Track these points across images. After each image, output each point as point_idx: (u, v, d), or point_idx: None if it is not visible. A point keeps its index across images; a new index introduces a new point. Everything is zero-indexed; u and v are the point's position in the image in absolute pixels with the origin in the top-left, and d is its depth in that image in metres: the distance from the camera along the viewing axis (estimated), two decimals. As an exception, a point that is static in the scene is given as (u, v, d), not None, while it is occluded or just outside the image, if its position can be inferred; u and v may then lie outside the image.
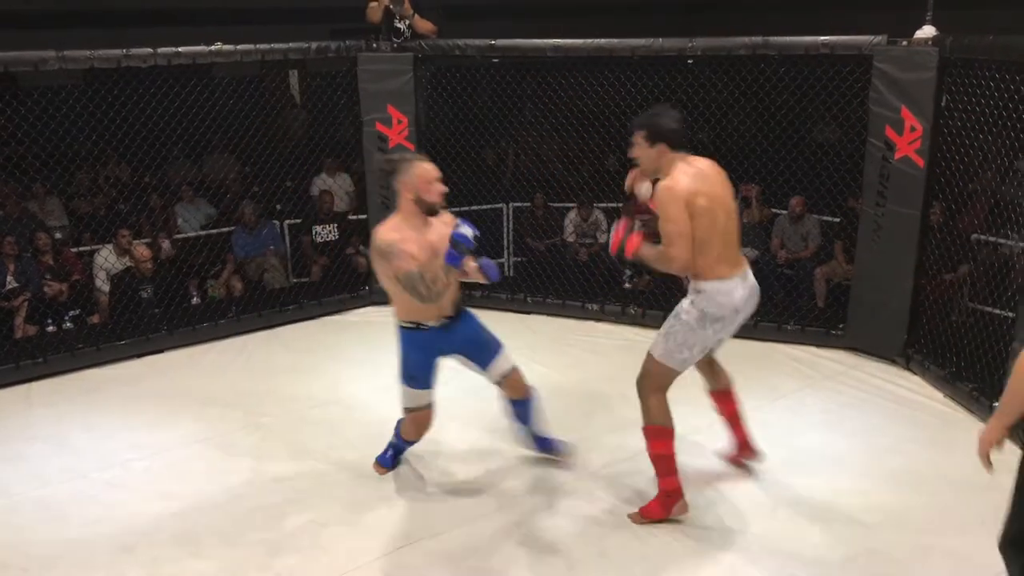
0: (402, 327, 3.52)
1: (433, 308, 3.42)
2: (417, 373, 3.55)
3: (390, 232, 3.32)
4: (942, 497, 3.66)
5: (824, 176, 5.85)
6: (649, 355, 3.47)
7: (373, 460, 3.95)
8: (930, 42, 4.60)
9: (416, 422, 3.67)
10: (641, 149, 3.27)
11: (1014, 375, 2.40)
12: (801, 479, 3.82)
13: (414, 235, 3.34)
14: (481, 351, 3.64)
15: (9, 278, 6.14)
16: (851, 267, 5.42)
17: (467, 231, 3.24)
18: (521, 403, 3.77)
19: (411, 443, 3.83)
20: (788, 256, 6.52)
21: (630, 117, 6.27)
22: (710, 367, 3.75)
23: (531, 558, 3.29)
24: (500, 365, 3.66)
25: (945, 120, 4.65)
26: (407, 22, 5.92)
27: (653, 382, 3.46)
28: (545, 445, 3.94)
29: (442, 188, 3.38)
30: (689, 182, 3.19)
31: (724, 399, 3.82)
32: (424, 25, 5.96)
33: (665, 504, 3.45)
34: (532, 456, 4.02)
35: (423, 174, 3.35)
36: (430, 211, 3.38)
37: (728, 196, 3.33)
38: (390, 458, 3.93)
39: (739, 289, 3.33)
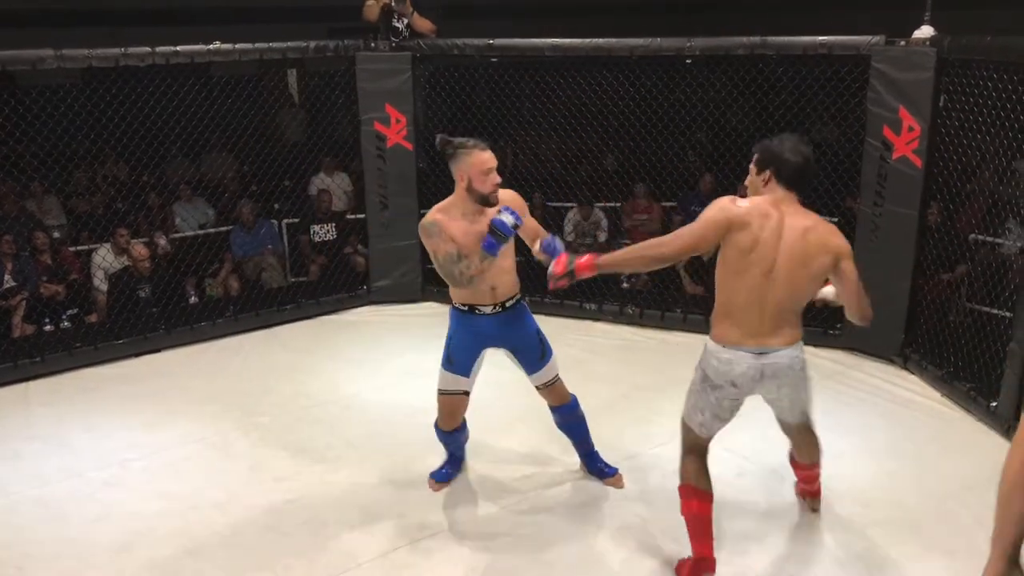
0: (455, 308, 3.49)
1: (487, 294, 3.41)
2: (458, 356, 3.50)
3: (436, 212, 3.31)
4: (939, 497, 3.67)
5: (822, 176, 5.84)
6: (681, 418, 3.23)
7: (428, 476, 3.82)
8: (928, 42, 4.61)
9: (446, 406, 3.59)
10: (751, 175, 2.99)
11: (999, 496, 1.93)
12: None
13: (462, 222, 3.27)
14: (530, 353, 3.58)
15: (7, 277, 6.13)
16: (849, 267, 5.42)
17: (508, 218, 3.17)
18: (560, 409, 3.72)
19: (448, 434, 3.70)
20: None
21: (628, 117, 6.35)
22: (791, 433, 3.38)
23: (530, 558, 3.30)
24: (545, 373, 3.62)
25: (943, 120, 4.66)
26: (406, 21, 5.92)
27: (684, 441, 3.22)
28: (592, 464, 3.85)
29: (496, 179, 3.25)
30: (748, 211, 2.85)
31: (801, 469, 3.53)
32: (423, 24, 5.97)
33: (694, 570, 3.10)
34: (527, 454, 4.02)
35: (478, 163, 3.22)
36: (483, 201, 3.26)
37: (791, 264, 2.83)
38: (445, 473, 3.83)
39: (743, 364, 2.93)
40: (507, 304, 3.49)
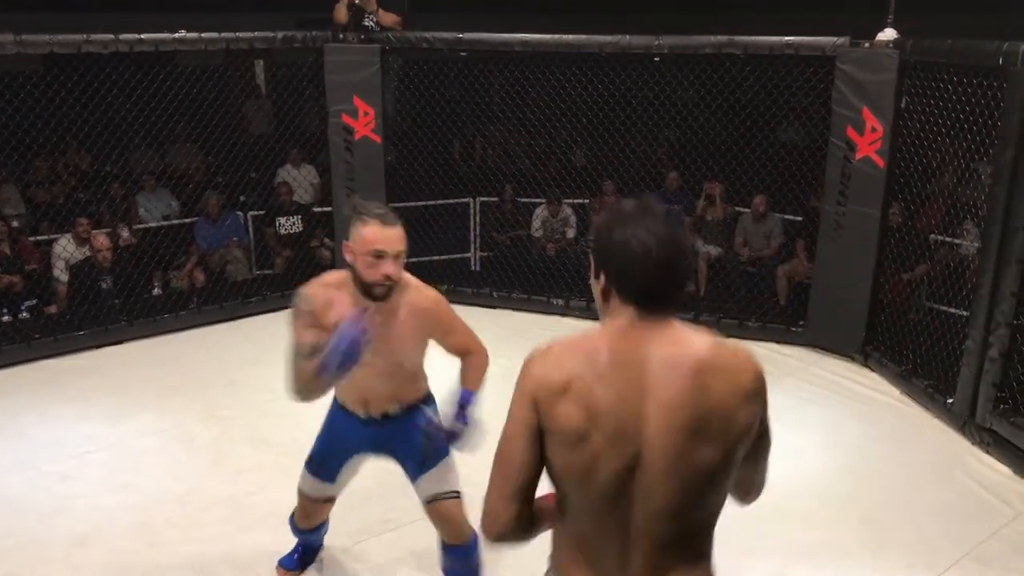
0: (334, 397, 2.86)
1: (357, 403, 2.79)
2: (323, 459, 2.89)
3: (320, 283, 2.60)
4: (897, 491, 3.73)
5: (787, 175, 5.93)
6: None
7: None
8: (891, 44, 4.68)
9: (304, 508, 2.97)
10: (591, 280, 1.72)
11: None
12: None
13: (348, 306, 2.49)
14: (409, 457, 2.78)
15: (-37, 267, 6.00)
16: (812, 265, 5.50)
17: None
18: (452, 551, 2.76)
19: (304, 532, 3.07)
20: (751, 254, 6.59)
21: (597, 113, 6.37)
22: None
23: (492, 556, 3.30)
24: (429, 484, 2.73)
25: (905, 122, 4.74)
26: (374, 18, 5.89)
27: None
28: None
29: (388, 270, 2.42)
30: (564, 362, 1.62)
31: None
32: (388, 18, 5.94)
33: None
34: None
35: (365, 240, 2.43)
36: (365, 292, 2.47)
37: (676, 444, 1.53)
38: (296, 559, 3.17)
39: None
40: (389, 414, 2.75)
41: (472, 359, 2.77)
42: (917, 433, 4.29)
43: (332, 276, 2.63)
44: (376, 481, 3.76)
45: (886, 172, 4.77)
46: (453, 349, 2.74)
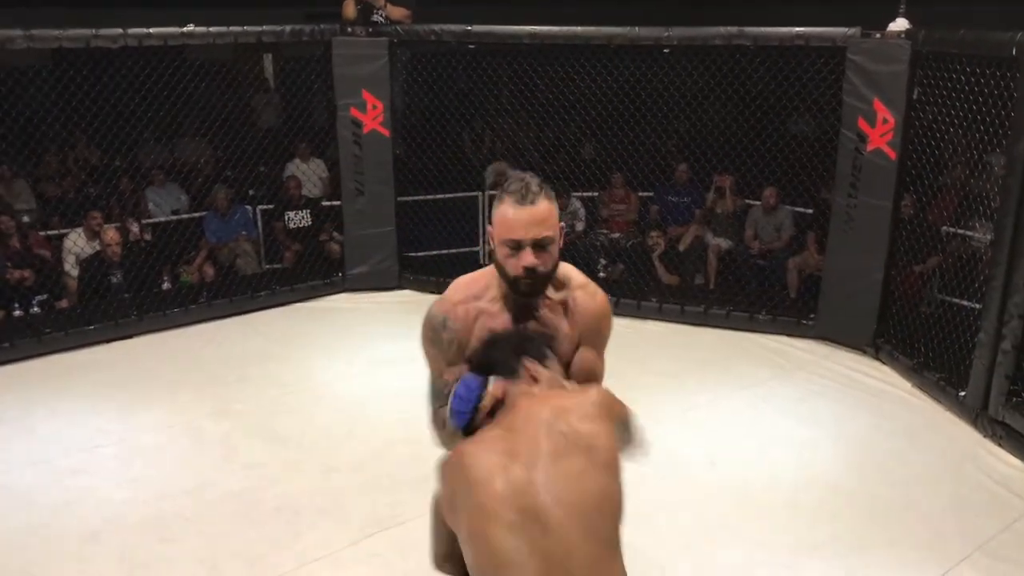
0: None
1: None
2: None
3: (457, 293, 2.11)
4: (908, 485, 3.71)
5: (798, 167, 5.89)
6: None
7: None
8: (903, 35, 4.64)
9: None
10: None
11: None
12: (769, 467, 3.86)
13: (502, 315, 2.06)
14: None
15: (-26, 261, 6.03)
16: (823, 258, 5.47)
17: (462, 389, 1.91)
18: None
19: None
20: (761, 247, 6.56)
21: (606, 106, 6.34)
22: None
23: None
24: None
25: (917, 113, 4.69)
26: (383, 13, 5.87)
27: None
28: None
29: (527, 261, 1.96)
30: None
31: None
32: (397, 12, 5.93)
33: None
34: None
35: (501, 221, 1.99)
36: (515, 289, 2.02)
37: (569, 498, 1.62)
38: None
39: None
40: None
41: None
42: (929, 426, 4.26)
43: (469, 280, 2.14)
44: (385, 474, 3.78)
45: (898, 164, 4.73)
46: (579, 367, 2.18)
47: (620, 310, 5.73)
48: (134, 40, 5.14)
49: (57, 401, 4.50)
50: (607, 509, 1.66)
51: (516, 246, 1.96)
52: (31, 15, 6.05)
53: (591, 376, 2.18)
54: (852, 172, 4.89)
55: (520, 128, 7.80)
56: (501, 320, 2.03)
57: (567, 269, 2.14)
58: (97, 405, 4.45)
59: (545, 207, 1.96)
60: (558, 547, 1.56)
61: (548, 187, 2.00)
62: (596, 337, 2.21)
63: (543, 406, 1.75)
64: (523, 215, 1.94)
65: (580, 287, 2.16)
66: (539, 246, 1.97)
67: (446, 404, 1.93)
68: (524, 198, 1.95)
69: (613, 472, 1.71)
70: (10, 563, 3.19)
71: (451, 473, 1.72)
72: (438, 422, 2.04)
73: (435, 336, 2.07)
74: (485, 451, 1.68)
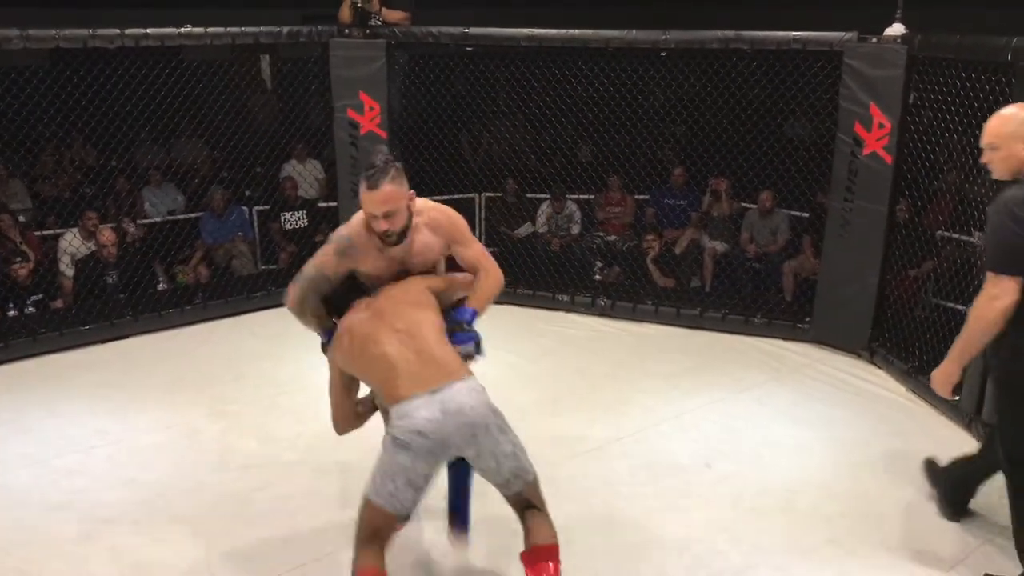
0: None
1: None
2: None
3: (358, 227, 2.84)
4: (903, 489, 3.72)
5: (794, 171, 5.91)
6: (363, 499, 2.66)
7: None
8: (899, 39, 4.66)
9: None
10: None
11: (968, 325, 2.81)
12: (764, 470, 3.86)
13: (379, 252, 2.83)
14: None
15: (-31, 261, 6.01)
16: (819, 262, 5.49)
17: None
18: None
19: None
20: (757, 250, 6.58)
21: (603, 109, 6.35)
22: (516, 508, 2.82)
23: (495, 547, 3.30)
24: None
25: (912, 117, 4.71)
26: (379, 19, 5.86)
27: (365, 527, 2.65)
28: (457, 515, 3.14)
29: (380, 227, 2.70)
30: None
31: (532, 561, 2.74)
32: (394, 15, 5.91)
33: None
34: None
35: (361, 197, 2.72)
36: (381, 241, 2.77)
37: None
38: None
39: (424, 409, 2.51)
40: None
41: (482, 276, 2.99)
42: (923, 431, 4.27)
43: (363, 221, 2.81)
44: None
45: (893, 168, 4.74)
46: (467, 262, 2.99)
47: (616, 313, 5.76)
48: (131, 40, 5.14)
49: (52, 401, 4.49)
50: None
51: (373, 216, 2.69)
52: (28, 15, 6.02)
53: (476, 262, 3.00)
54: (848, 176, 4.91)
55: (517, 130, 7.81)
56: (375, 258, 2.82)
57: (420, 203, 2.87)
58: (92, 405, 4.44)
59: (388, 189, 2.67)
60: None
61: (395, 166, 2.73)
62: (457, 233, 2.97)
63: (387, 294, 2.83)
64: (373, 196, 2.67)
65: (430, 210, 2.92)
66: (387, 216, 2.67)
67: (308, 290, 2.87)
68: (372, 182, 2.66)
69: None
70: (5, 562, 3.19)
71: (343, 334, 2.81)
72: (298, 294, 2.92)
73: (339, 249, 2.83)
74: (359, 313, 2.80)
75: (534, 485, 2.78)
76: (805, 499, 3.64)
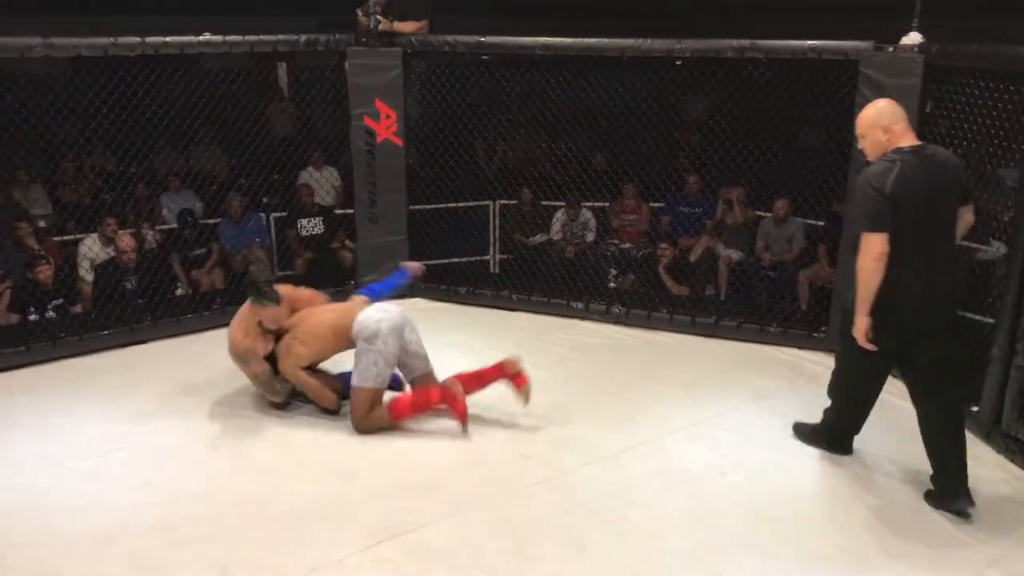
0: None
1: None
2: None
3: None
4: (918, 499, 3.70)
5: (809, 180, 5.89)
6: (354, 391, 4.12)
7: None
8: (916, 49, 4.65)
9: None
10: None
11: (858, 280, 3.47)
12: (779, 479, 3.85)
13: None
14: None
15: (-8, 266, 6.09)
16: (835, 271, 5.47)
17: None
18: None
19: None
20: (772, 259, 6.56)
21: (618, 117, 6.37)
22: (426, 382, 4.30)
23: (509, 554, 3.31)
24: None
25: (929, 127, 4.69)
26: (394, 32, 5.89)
27: (366, 404, 4.09)
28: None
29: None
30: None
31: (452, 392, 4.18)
32: (408, 26, 5.93)
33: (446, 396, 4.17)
34: (512, 454, 4.03)
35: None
36: None
37: None
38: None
39: (372, 312, 4.15)
40: None
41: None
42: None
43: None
44: (394, 480, 3.79)
45: (910, 177, 4.72)
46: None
47: (631, 321, 5.76)
48: (151, 48, 5.20)
49: (72, 405, 4.54)
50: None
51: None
52: (50, 23, 6.09)
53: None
54: (864, 185, 4.88)
55: (532, 138, 7.83)
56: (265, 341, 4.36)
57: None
58: (111, 410, 4.48)
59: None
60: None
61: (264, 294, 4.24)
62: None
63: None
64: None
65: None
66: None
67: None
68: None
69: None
70: (24, 564, 3.22)
71: (291, 343, 4.25)
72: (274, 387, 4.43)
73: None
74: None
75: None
76: (821, 508, 3.63)
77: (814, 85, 5.26)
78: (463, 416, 4.14)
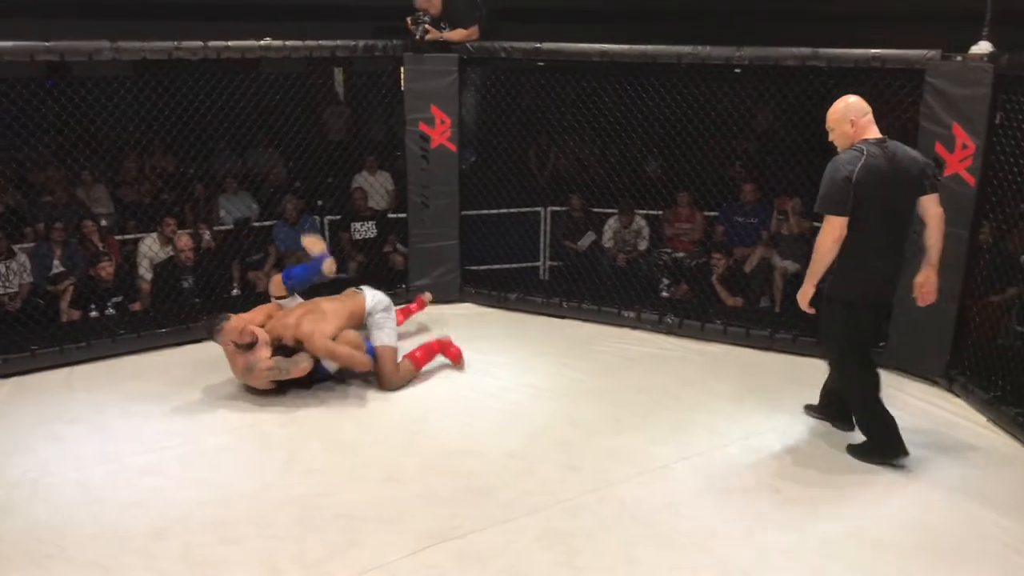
0: None
1: None
2: None
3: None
4: (981, 522, 3.58)
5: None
6: (384, 349, 4.75)
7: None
8: (986, 58, 4.52)
9: None
10: None
11: (813, 255, 3.78)
12: (834, 497, 3.76)
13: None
14: None
15: (56, 263, 6.26)
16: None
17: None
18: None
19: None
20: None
21: (674, 124, 6.30)
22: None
23: (556, 564, 3.28)
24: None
25: (999, 138, 4.55)
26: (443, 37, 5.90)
27: (394, 362, 4.77)
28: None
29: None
30: None
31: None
32: (455, 36, 5.93)
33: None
34: (561, 464, 4.01)
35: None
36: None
37: None
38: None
39: (376, 295, 5.01)
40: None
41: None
42: (1004, 462, 4.11)
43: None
44: (444, 485, 3.79)
45: (977, 191, 4.59)
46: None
47: (684, 331, 5.68)
48: (213, 52, 5.29)
49: (129, 402, 4.63)
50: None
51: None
52: (114, 27, 6.24)
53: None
54: (927, 198, 4.75)
55: (585, 145, 7.80)
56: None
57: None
58: (166, 407, 4.56)
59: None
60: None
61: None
62: None
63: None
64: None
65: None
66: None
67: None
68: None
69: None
70: (82, 555, 3.29)
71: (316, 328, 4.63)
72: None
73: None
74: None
75: None
76: (876, 530, 3.52)
77: (876, 95, 5.13)
78: (458, 358, 5.06)
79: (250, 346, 4.51)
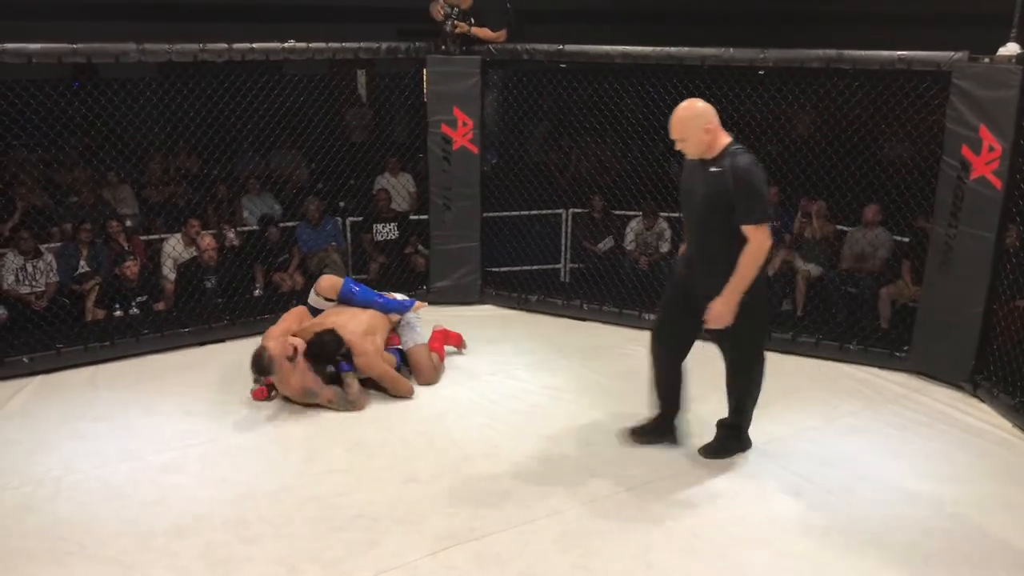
0: None
1: None
2: None
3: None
4: (1004, 530, 3.52)
5: (894, 194, 5.70)
6: (420, 348, 4.89)
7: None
8: (1014, 60, 4.46)
9: None
10: None
11: (745, 265, 3.58)
12: (856, 503, 3.72)
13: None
14: None
15: (82, 263, 6.34)
16: (918, 288, 5.28)
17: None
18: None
19: None
20: (853, 265, 6.35)
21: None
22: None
23: (574, 566, 3.27)
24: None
25: (1027, 140, 4.49)
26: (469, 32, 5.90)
27: (429, 358, 4.90)
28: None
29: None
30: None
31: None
32: (482, 33, 5.94)
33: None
34: (580, 466, 3.99)
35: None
36: None
37: None
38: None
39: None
40: None
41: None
42: (1030, 470, 4.05)
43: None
44: (463, 487, 3.79)
45: (1004, 193, 4.53)
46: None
47: (704, 335, 5.62)
48: (238, 54, 5.33)
49: (151, 400, 4.67)
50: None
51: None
52: (138, 29, 6.31)
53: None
54: (953, 201, 4.71)
55: (607, 147, 7.78)
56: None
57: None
58: (189, 406, 4.60)
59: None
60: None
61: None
62: None
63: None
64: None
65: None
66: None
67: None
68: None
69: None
70: (103, 552, 3.33)
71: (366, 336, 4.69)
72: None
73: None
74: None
75: None
76: (899, 535, 3.48)
77: (902, 96, 5.08)
78: (460, 342, 5.35)
79: (292, 357, 4.46)
